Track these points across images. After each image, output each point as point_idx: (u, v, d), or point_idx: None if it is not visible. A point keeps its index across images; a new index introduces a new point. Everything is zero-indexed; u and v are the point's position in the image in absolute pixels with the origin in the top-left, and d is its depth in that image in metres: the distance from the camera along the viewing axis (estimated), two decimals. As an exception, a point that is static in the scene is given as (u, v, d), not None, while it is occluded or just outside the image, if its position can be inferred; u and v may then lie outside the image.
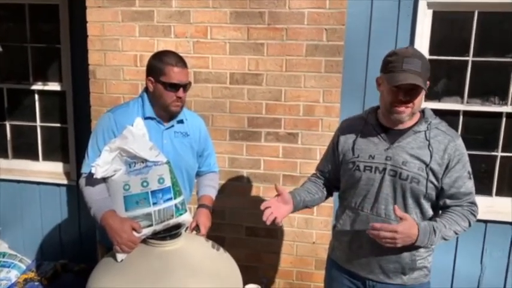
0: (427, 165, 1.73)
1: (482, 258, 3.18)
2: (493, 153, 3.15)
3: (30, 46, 3.69)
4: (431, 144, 1.74)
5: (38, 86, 3.72)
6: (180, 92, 1.99)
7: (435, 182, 1.75)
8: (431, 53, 3.05)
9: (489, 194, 3.16)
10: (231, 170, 3.00)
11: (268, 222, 1.77)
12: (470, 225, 1.78)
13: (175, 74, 1.97)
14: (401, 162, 1.75)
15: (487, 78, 3.07)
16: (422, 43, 2.99)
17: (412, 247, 1.74)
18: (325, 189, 2.06)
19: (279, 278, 3.09)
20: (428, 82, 1.77)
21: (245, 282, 1.88)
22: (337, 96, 2.81)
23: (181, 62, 2.01)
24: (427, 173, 1.73)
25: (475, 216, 1.79)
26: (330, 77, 2.79)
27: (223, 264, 1.85)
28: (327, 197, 2.09)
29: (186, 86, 2.02)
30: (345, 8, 2.72)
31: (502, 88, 3.06)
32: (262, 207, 1.78)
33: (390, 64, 1.70)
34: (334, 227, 2.03)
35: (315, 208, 2.92)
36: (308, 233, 2.98)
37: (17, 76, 3.75)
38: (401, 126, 1.79)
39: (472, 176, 1.80)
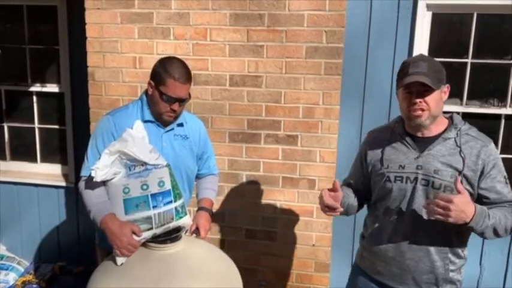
0: (460, 172, 1.69)
1: (482, 259, 3.18)
2: (492, 155, 3.15)
3: (28, 47, 3.68)
4: (462, 150, 1.70)
5: (36, 88, 3.70)
6: (175, 106, 1.97)
7: (470, 189, 1.70)
8: (430, 55, 3.04)
9: (488, 195, 3.16)
10: (230, 172, 2.99)
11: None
12: None
13: (174, 88, 1.94)
14: (433, 171, 1.71)
15: (486, 80, 3.08)
16: (422, 45, 2.99)
17: (446, 257, 1.75)
18: (357, 200, 2.00)
19: (279, 280, 3.08)
20: (448, 86, 1.76)
21: (245, 285, 1.88)
22: (337, 98, 2.80)
23: (184, 76, 1.97)
24: (460, 181, 1.67)
25: None
26: (330, 79, 2.78)
27: (223, 267, 1.84)
28: (358, 210, 2.02)
29: (183, 101, 2.01)
30: (344, 10, 2.72)
31: (501, 90, 3.06)
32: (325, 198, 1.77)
33: (400, 73, 1.73)
34: (363, 236, 2.01)
35: (315, 210, 2.92)
36: (308, 235, 2.98)
37: (15, 78, 3.74)
38: (429, 134, 1.76)
39: (507, 181, 1.74)
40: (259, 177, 2.97)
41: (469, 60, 3.05)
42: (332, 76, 2.78)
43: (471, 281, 3.20)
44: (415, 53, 2.96)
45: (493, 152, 1.72)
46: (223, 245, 3.04)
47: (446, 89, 1.76)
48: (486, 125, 3.13)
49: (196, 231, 2.03)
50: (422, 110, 1.69)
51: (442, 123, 1.78)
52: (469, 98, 3.09)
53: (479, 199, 1.72)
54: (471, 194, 1.70)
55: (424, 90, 1.67)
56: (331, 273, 3.06)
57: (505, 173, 1.74)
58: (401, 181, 1.77)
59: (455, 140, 1.73)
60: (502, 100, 3.07)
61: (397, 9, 2.95)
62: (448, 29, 3.05)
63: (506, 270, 3.17)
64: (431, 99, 1.68)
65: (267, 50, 2.82)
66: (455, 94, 3.11)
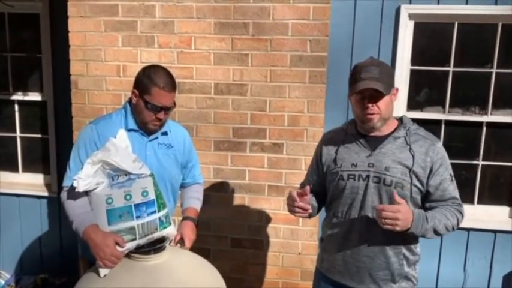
0: (410, 169, 1.75)
1: (465, 266, 3.21)
2: (474, 162, 3.20)
3: (10, 55, 3.62)
4: (412, 148, 1.78)
5: (18, 96, 3.65)
6: (161, 114, 1.96)
7: (419, 186, 1.77)
8: (413, 63, 3.10)
9: (471, 202, 3.21)
10: (215, 181, 2.98)
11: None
12: (458, 223, 1.79)
13: (159, 97, 1.92)
14: (384, 168, 1.77)
15: (468, 88, 3.13)
16: (404, 54, 3.03)
17: (400, 252, 1.80)
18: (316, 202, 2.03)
19: (265, 289, 3.06)
20: (396, 88, 1.82)
21: (231, 295, 1.86)
22: (322, 106, 2.82)
23: (169, 85, 1.95)
24: (410, 177, 1.75)
25: (462, 215, 1.81)
26: (314, 88, 2.80)
27: (208, 277, 1.83)
28: (318, 211, 2.07)
29: (168, 109, 1.99)
30: (328, 19, 2.74)
31: (482, 98, 3.12)
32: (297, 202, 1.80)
33: (352, 77, 1.78)
34: (322, 239, 2.03)
35: (301, 219, 2.92)
36: (294, 244, 2.97)
37: (-4, 86, 3.68)
38: (380, 133, 1.82)
39: (453, 179, 1.83)
40: (245, 185, 2.96)
41: (451, 69, 3.10)
42: (316, 84, 2.80)
43: (456, 286, 3.23)
44: (398, 61, 3.01)
45: (441, 151, 1.80)
46: (209, 255, 3.01)
47: (395, 91, 1.82)
48: (468, 132, 3.18)
49: (181, 241, 2.01)
50: (374, 113, 1.75)
51: (393, 124, 1.85)
52: (451, 105, 3.14)
53: (425, 196, 1.80)
54: (420, 191, 1.78)
55: (376, 96, 1.73)
56: (317, 281, 3.06)
57: (451, 171, 1.82)
58: (353, 179, 1.82)
59: (405, 139, 1.80)
60: (484, 108, 3.13)
61: (380, 19, 2.99)
62: (430, 38, 3.11)
63: (489, 276, 3.21)
64: (383, 103, 1.75)
65: (251, 59, 2.82)
66: (437, 102, 3.16)
